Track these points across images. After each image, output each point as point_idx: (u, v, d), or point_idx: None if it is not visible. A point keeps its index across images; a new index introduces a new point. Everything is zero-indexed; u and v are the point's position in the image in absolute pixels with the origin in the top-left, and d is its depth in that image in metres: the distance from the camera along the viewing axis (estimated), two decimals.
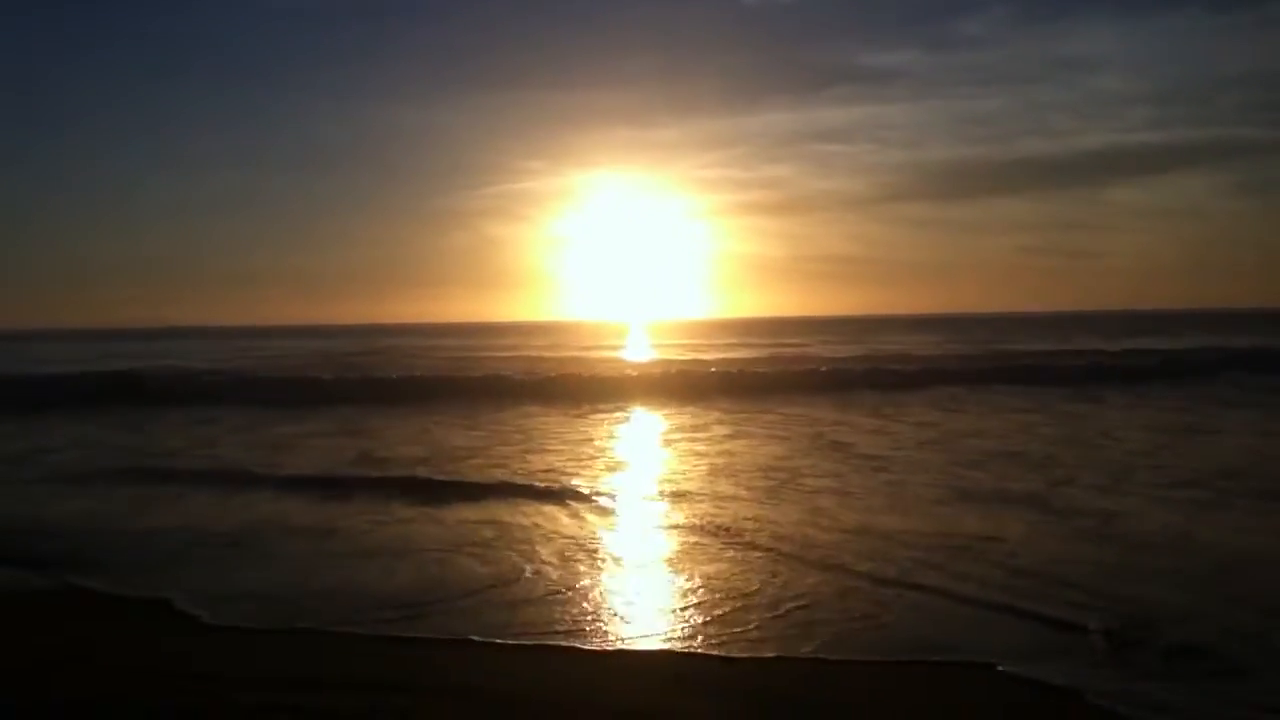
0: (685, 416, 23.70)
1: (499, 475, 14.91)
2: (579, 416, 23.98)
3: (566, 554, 10.05)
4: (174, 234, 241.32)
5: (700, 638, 7.47)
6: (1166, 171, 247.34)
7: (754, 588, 8.64)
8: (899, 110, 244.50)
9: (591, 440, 19.51)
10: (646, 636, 7.60)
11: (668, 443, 19.30)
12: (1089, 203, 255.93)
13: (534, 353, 54.20)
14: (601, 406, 26.29)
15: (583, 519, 11.88)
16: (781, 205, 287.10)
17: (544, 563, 9.69)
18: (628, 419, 24.03)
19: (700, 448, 17.99)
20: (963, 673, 6.65)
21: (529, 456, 16.98)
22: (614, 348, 64.77)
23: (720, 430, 20.73)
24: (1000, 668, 6.63)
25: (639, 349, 62.77)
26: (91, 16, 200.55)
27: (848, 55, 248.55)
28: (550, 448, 18.07)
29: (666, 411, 25.15)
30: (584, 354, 53.08)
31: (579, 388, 30.75)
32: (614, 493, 13.53)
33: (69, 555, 10.24)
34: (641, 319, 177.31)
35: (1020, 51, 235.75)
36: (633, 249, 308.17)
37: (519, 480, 14.44)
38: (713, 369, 36.80)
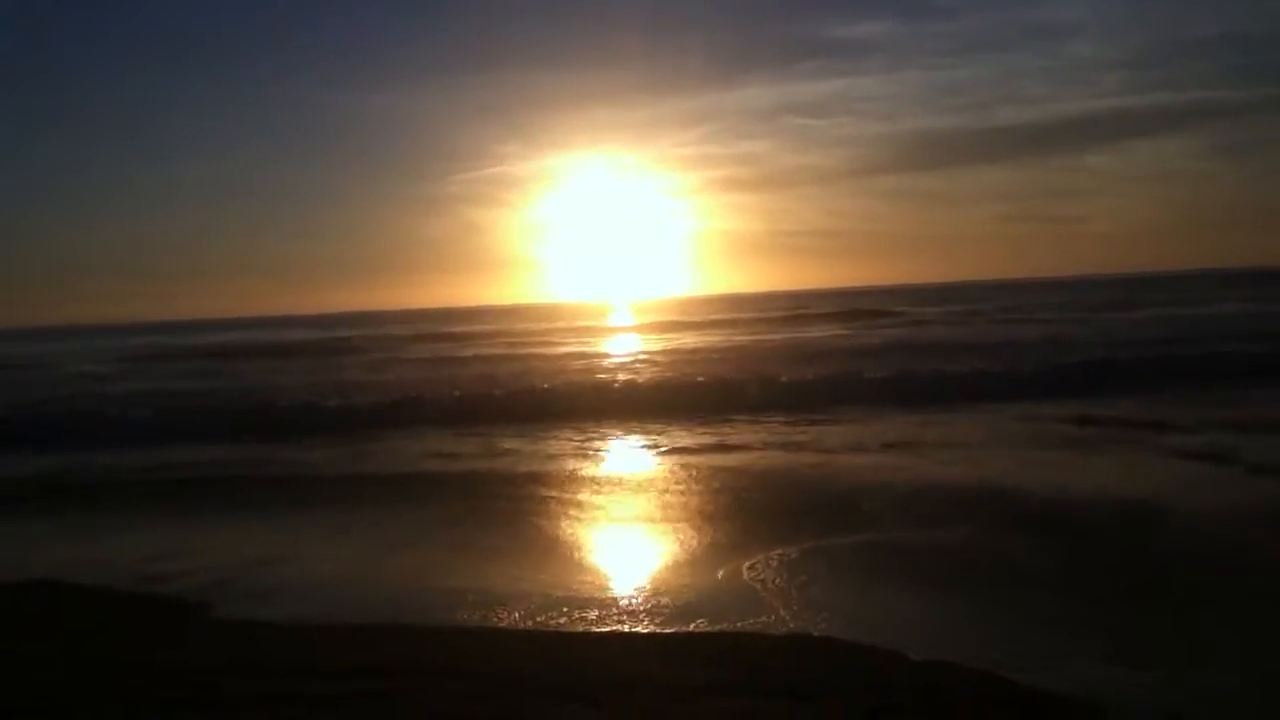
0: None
1: None
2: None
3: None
4: (150, 227, 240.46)
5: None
6: (1143, 136, 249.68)
7: None
8: (874, 82, 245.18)
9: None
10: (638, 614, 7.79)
11: None
12: (1067, 169, 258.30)
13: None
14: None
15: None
16: (759, 180, 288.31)
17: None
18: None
19: None
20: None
21: None
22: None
23: None
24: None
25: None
26: (78, 9, 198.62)
27: (822, 28, 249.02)
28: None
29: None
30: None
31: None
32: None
33: None
34: (624, 299, 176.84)
35: (994, 20, 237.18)
36: (613, 229, 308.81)
37: None
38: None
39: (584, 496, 12.42)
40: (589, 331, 61.77)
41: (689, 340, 46.94)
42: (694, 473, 13.71)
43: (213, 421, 20.34)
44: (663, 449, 16.07)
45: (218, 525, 11.79)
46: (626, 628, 7.45)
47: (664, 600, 8.01)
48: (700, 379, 24.81)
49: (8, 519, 12.70)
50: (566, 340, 52.64)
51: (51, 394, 29.30)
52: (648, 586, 8.47)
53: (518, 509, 11.73)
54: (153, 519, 12.23)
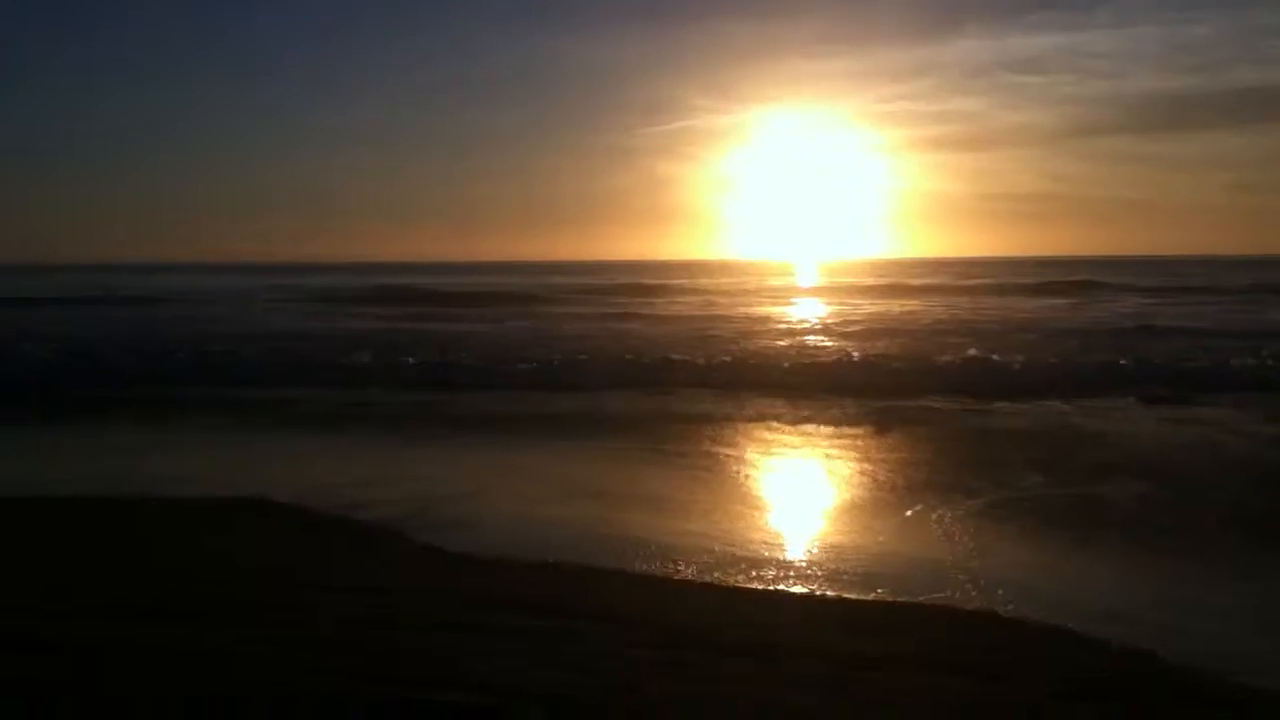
0: None
1: None
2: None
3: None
4: (330, 168, 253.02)
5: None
6: None
7: None
8: (1100, 38, 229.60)
9: None
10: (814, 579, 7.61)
11: None
12: None
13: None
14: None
15: None
16: (969, 140, 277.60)
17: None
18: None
19: None
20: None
21: None
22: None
23: None
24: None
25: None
26: None
27: None
28: None
29: None
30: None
31: None
32: None
33: None
34: (813, 259, 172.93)
35: None
36: (806, 185, 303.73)
37: None
38: None
39: (769, 459, 12.32)
40: (782, 292, 61.11)
41: (890, 307, 45.50)
42: (880, 442, 13.41)
43: (415, 368, 21.16)
44: (851, 419, 15.72)
45: (418, 458, 12.44)
46: (803, 589, 7.29)
47: (844, 565, 7.81)
48: (897, 354, 23.77)
49: (229, 444, 13.64)
50: (760, 300, 52.29)
51: (261, 330, 31.35)
52: (827, 549, 8.28)
53: (701, 464, 11.75)
54: (360, 450, 12.96)
